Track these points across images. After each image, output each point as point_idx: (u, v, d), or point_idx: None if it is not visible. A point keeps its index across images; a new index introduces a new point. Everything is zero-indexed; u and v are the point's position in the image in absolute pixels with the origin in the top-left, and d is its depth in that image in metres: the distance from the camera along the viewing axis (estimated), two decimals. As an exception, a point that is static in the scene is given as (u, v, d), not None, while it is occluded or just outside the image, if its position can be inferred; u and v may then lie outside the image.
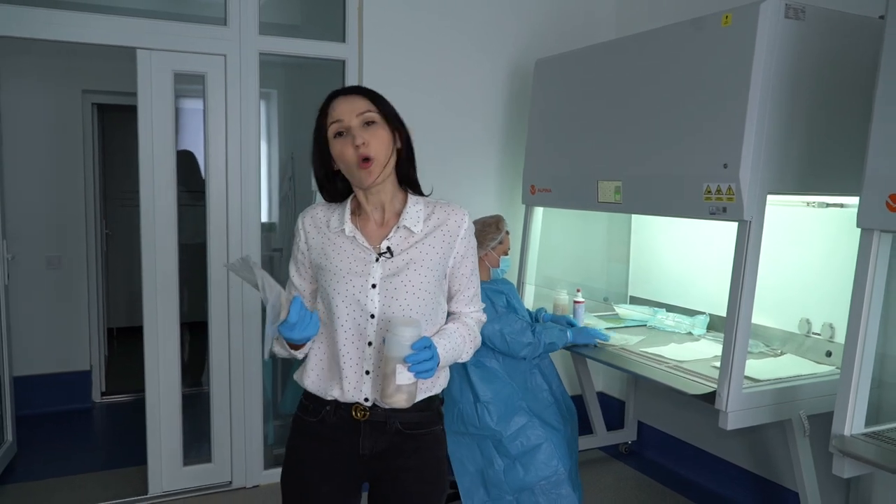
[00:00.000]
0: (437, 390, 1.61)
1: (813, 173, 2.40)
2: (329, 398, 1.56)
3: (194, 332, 3.28)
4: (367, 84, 3.33)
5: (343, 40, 3.38)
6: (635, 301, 3.65)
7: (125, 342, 5.90)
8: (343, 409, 1.56)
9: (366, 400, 1.54)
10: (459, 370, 2.74)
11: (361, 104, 1.51)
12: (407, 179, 1.61)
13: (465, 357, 1.64)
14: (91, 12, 2.95)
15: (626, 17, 3.87)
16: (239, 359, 3.31)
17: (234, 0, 3.14)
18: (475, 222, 2.98)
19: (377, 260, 1.53)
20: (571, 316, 3.16)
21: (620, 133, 2.83)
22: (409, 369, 1.39)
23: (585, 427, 3.71)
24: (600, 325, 3.27)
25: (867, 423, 1.99)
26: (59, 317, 4.48)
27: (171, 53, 3.09)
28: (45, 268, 4.42)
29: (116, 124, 5.80)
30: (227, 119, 3.20)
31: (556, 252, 3.63)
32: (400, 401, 1.42)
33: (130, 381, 4.62)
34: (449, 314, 1.66)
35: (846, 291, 1.98)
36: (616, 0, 3.93)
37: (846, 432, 1.96)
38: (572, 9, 3.84)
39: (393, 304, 1.51)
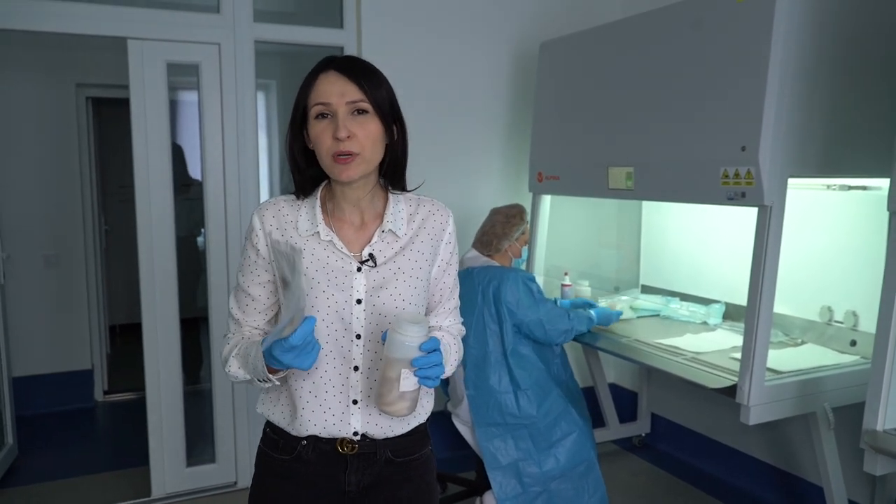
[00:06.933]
0: (424, 418, 1.44)
1: (836, 155, 2.28)
2: (305, 435, 1.35)
3: (185, 329, 3.22)
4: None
5: (341, 26, 3.27)
6: (647, 290, 3.55)
7: (128, 339, 5.81)
8: (324, 443, 1.35)
9: (355, 434, 1.35)
10: (497, 358, 2.68)
11: (353, 92, 1.28)
12: (392, 177, 1.40)
13: (448, 370, 1.41)
14: (78, 1, 2.84)
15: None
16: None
17: (227, -14, 3.04)
18: (497, 212, 2.90)
19: (359, 270, 1.33)
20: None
21: (632, 117, 2.72)
22: (416, 373, 1.22)
23: (597, 420, 3.62)
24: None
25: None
26: (58, 315, 4.40)
27: (163, 43, 2.98)
28: (42, 266, 4.34)
29: (113, 118, 5.70)
30: (224, 110, 3.10)
31: (565, 241, 3.52)
32: (402, 409, 1.25)
33: (133, 380, 4.52)
34: None
35: (869, 277, 1.88)
36: (622, -21, 3.81)
37: (878, 427, 1.86)
38: (577, -11, 3.71)
39: (381, 321, 1.32)
